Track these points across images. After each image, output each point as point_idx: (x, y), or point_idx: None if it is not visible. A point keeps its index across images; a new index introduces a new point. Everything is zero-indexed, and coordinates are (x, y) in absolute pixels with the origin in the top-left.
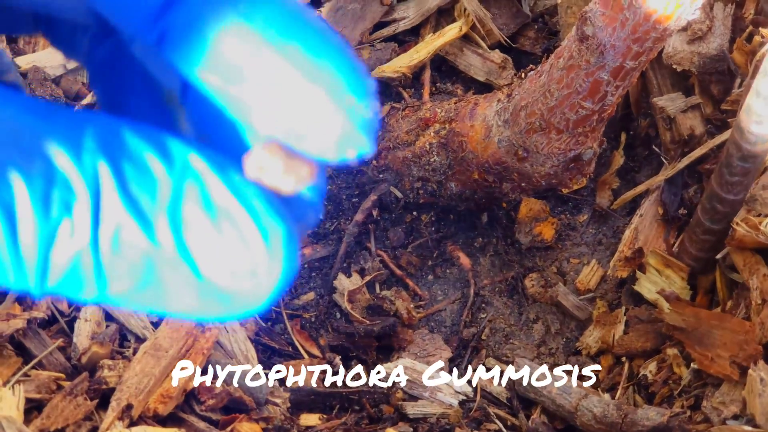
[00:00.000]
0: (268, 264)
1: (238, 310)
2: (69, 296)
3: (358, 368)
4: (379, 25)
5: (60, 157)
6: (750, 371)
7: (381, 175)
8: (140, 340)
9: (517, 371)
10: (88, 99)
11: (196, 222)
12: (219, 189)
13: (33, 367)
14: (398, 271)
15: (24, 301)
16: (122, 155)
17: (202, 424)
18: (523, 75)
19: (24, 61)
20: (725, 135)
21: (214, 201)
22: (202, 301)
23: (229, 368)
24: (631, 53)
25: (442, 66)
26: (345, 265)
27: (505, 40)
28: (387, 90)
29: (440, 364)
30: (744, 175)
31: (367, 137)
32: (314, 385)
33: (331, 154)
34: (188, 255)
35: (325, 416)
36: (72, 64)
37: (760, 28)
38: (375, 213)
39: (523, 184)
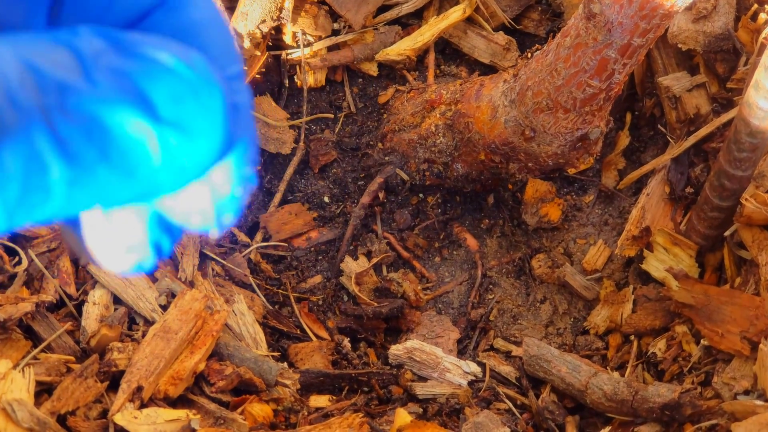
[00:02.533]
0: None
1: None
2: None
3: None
4: (383, 9)
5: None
6: (761, 346)
7: (387, 158)
8: (149, 322)
9: (525, 351)
10: None
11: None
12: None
13: (42, 351)
14: (405, 253)
15: (32, 284)
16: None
17: (212, 406)
18: (529, 55)
19: None
20: (731, 113)
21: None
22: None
23: (238, 350)
24: (638, 30)
25: (446, 49)
26: (352, 247)
27: (509, 22)
28: (391, 73)
29: (449, 345)
30: (752, 150)
31: (229, 215)
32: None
33: (196, 225)
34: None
35: (334, 397)
36: None
37: (766, 6)
38: (381, 195)
39: (530, 164)
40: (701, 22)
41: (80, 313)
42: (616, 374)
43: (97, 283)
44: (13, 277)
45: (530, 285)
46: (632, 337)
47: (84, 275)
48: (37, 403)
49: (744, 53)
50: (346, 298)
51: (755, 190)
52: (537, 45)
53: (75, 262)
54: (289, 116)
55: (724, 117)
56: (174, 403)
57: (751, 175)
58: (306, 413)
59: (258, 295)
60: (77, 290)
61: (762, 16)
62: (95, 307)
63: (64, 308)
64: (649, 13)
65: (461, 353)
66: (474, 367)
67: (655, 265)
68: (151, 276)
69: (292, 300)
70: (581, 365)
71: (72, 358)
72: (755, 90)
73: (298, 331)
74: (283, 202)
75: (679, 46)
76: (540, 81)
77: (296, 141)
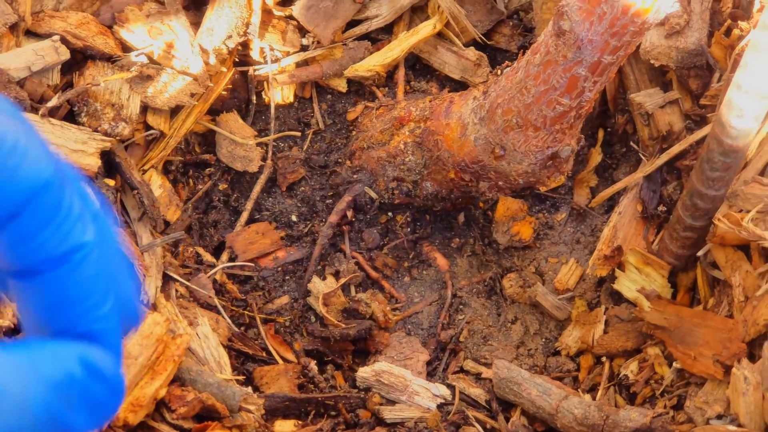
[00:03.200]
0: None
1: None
2: None
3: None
4: (352, 24)
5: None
6: (734, 370)
7: (355, 176)
8: None
9: (495, 373)
10: (53, 102)
11: None
12: None
13: None
14: (374, 273)
15: None
16: None
17: None
18: (499, 72)
19: None
20: (704, 130)
21: None
22: None
23: (201, 374)
24: (609, 48)
25: (416, 64)
26: (319, 267)
27: (479, 38)
28: (361, 89)
29: (419, 367)
30: (725, 170)
31: None
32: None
33: None
34: None
35: (300, 422)
36: (37, 67)
37: (739, 22)
38: (349, 214)
39: (500, 183)
40: (674, 37)
41: None
42: (587, 397)
43: None
44: None
45: (501, 305)
46: (604, 359)
47: None
48: None
49: (717, 69)
50: (313, 319)
51: (728, 210)
52: (507, 62)
53: None
54: (256, 133)
55: (698, 134)
56: (134, 430)
57: (724, 194)
58: None
59: (223, 316)
60: None
61: (735, 32)
62: None
63: (22, 333)
64: (619, 30)
65: (431, 375)
66: (443, 390)
67: (627, 285)
68: None
69: (258, 322)
70: (552, 388)
71: None
72: (727, 108)
73: (264, 354)
74: (250, 221)
75: (652, 62)
76: (510, 99)
77: (264, 159)
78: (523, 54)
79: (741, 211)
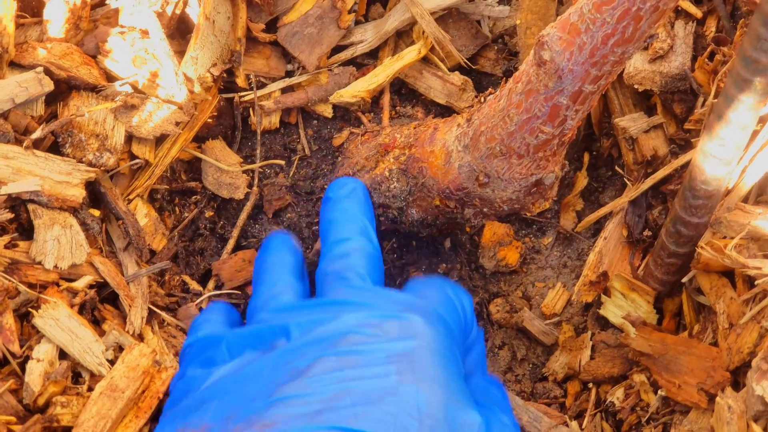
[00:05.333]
0: None
1: None
2: None
3: None
4: (337, 49)
5: None
6: (717, 399)
7: None
8: (95, 376)
9: None
10: (38, 134)
11: None
12: None
13: None
14: None
15: None
16: None
17: None
18: (482, 99)
19: None
20: (689, 155)
21: None
22: None
23: None
24: (589, 77)
25: (401, 89)
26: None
27: (465, 62)
28: (346, 115)
29: None
30: (708, 197)
31: None
32: None
33: None
34: None
35: None
36: (20, 98)
37: (721, 47)
38: None
39: (485, 210)
40: (658, 62)
41: (24, 370)
42: (574, 424)
43: (42, 339)
44: None
45: (488, 330)
46: (591, 385)
47: (29, 331)
48: None
49: (701, 94)
50: None
51: (711, 237)
52: (490, 89)
53: (20, 318)
54: (242, 160)
55: (682, 158)
56: None
57: (708, 221)
58: None
59: None
60: (21, 347)
61: (718, 57)
62: (39, 363)
63: (7, 366)
64: (599, 60)
65: None
66: None
67: (613, 310)
68: (99, 328)
69: None
70: (543, 417)
71: (13, 418)
72: (709, 137)
73: None
74: (237, 248)
75: (636, 86)
76: (493, 126)
77: (250, 186)
78: (506, 81)
79: (725, 237)
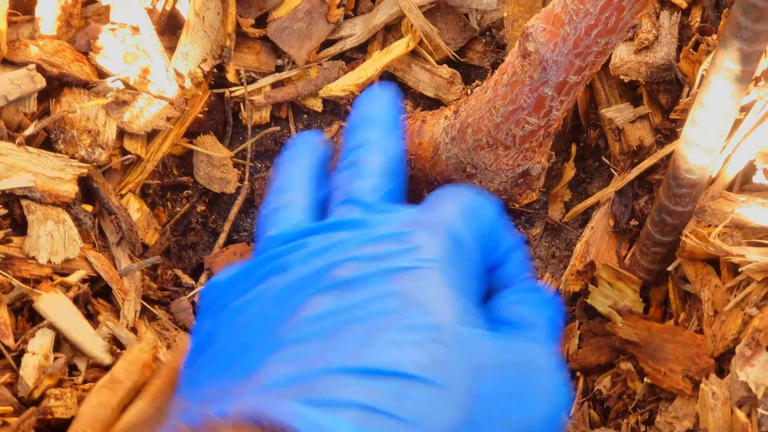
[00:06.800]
0: None
1: None
2: None
3: None
4: (327, 44)
5: None
6: (702, 385)
7: None
8: (92, 367)
9: None
10: (30, 130)
11: None
12: None
13: None
14: None
15: None
16: None
17: None
18: (469, 91)
19: None
20: (675, 145)
21: None
22: None
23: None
24: (574, 68)
25: (390, 82)
26: None
27: (453, 55)
28: (336, 108)
29: None
30: (691, 186)
31: None
32: None
33: None
34: None
35: None
36: (13, 96)
37: (705, 37)
38: None
39: None
40: (643, 53)
41: (19, 364)
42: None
43: (37, 332)
44: None
45: None
46: (578, 374)
47: (23, 325)
48: None
49: (686, 84)
50: None
51: (695, 225)
52: (477, 81)
53: (14, 312)
54: (233, 155)
55: (668, 148)
56: None
57: (692, 210)
58: None
59: None
60: (15, 341)
61: (702, 47)
62: (34, 357)
63: (2, 360)
64: (583, 51)
65: None
66: None
67: (600, 300)
68: (92, 322)
69: None
70: None
71: (10, 408)
72: (692, 126)
73: None
74: (229, 242)
75: (622, 77)
76: (479, 118)
77: (241, 180)
78: (492, 73)
79: (709, 226)
